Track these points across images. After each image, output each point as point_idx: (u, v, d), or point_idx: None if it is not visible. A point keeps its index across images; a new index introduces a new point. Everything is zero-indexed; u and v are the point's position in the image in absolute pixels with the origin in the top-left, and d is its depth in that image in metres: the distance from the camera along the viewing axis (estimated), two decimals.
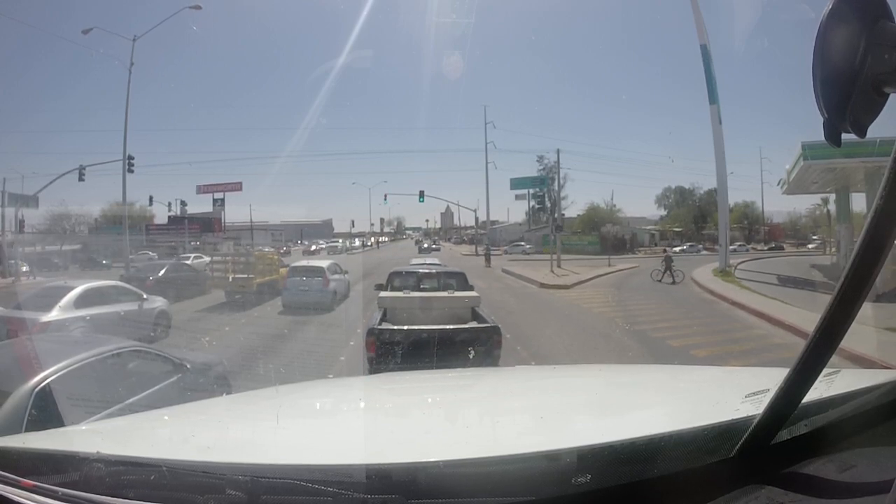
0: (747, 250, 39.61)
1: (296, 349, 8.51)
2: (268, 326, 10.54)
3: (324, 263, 13.66)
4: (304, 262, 14.57)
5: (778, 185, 24.94)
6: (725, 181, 23.10)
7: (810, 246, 43.42)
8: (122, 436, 1.55)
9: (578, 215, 45.65)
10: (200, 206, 41.79)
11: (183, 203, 39.49)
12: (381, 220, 59.55)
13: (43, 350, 3.65)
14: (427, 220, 67.62)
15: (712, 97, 21.92)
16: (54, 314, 7.56)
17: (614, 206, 46.31)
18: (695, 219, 47.05)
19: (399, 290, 8.02)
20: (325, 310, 11.97)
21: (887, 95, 0.72)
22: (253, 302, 13.37)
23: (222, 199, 41.58)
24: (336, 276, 13.36)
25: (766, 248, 43.33)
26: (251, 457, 1.20)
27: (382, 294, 7.74)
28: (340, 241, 48.50)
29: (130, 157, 25.48)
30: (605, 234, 39.02)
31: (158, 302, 9.98)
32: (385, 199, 41.20)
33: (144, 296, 9.71)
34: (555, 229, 26.73)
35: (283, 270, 14.31)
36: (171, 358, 4.32)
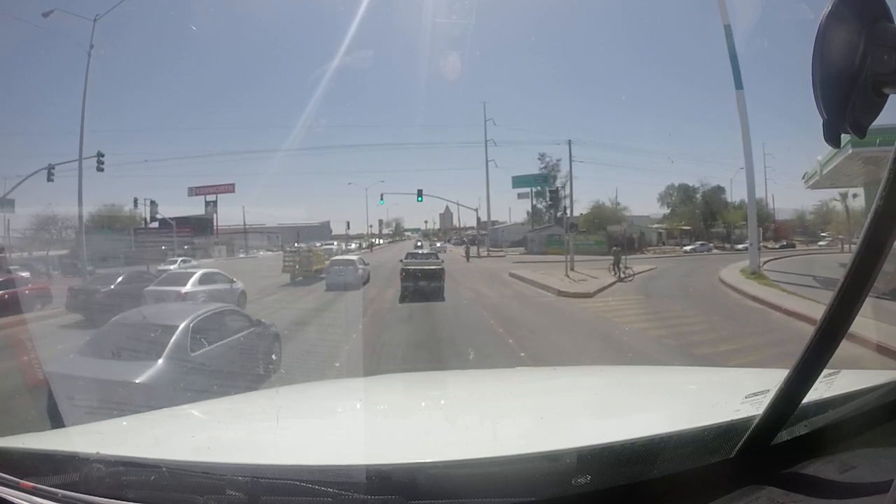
0: (759, 249, 37.98)
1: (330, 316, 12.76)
2: (320, 298, 15.81)
3: (354, 258, 19.66)
4: (341, 257, 21.17)
5: (803, 178, 22.48)
6: (752, 173, 21.02)
7: (821, 244, 41.10)
8: (122, 436, 1.55)
9: (581, 214, 44.13)
10: (192, 208, 40.90)
11: (153, 203, 36.54)
12: (380, 221, 59.18)
13: (186, 307, 7.08)
14: (426, 222, 67.65)
15: (737, 82, 19.79)
16: (188, 287, 12.17)
17: (618, 204, 44.86)
18: (703, 216, 45.09)
19: (409, 259, 17.57)
20: (354, 288, 16.49)
21: (887, 96, 0.72)
22: (311, 281, 19.55)
23: (215, 201, 40.57)
24: (362, 266, 18.67)
25: (777, 246, 40.62)
26: (251, 457, 1.20)
27: (403, 259, 17.16)
28: (336, 243, 46.99)
29: (101, 155, 22.69)
30: (612, 234, 37.27)
31: (240, 284, 14.40)
32: (381, 200, 38.59)
33: (234, 279, 14.19)
34: (568, 228, 23.66)
35: (327, 262, 20.24)
36: (252, 317, 6.87)
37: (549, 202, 46.10)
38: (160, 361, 4.57)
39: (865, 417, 1.23)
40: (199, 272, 13.20)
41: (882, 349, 6.75)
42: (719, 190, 44.90)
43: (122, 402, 4.17)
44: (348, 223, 54.33)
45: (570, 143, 31.20)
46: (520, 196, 45.95)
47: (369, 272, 19.39)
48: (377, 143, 74.17)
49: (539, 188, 45.22)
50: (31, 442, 1.33)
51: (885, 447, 1.16)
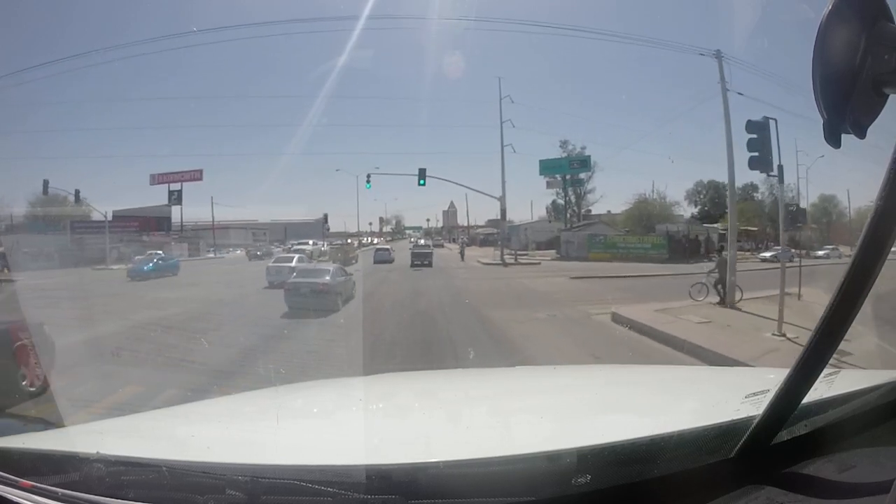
0: (840, 256, 28.86)
1: (375, 279, 19.70)
2: (369, 269, 24.27)
3: (388, 247, 31.09)
4: (380, 246, 32.47)
5: None
6: None
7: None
8: (122, 436, 1.55)
9: (609, 212, 37.04)
10: (164, 199, 33.62)
11: (77, 192, 29.52)
12: (381, 219, 57.81)
13: (328, 265, 16.08)
14: (428, 220, 66.71)
15: None
16: (294, 262, 17.84)
17: (665, 198, 35.40)
18: (770, 216, 33.69)
19: (414, 248, 29.85)
20: (390, 262, 27.46)
21: (887, 96, 0.72)
22: (346, 264, 26.04)
23: (179, 191, 32.90)
24: (392, 251, 29.77)
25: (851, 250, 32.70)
26: (251, 457, 1.20)
27: (411, 248, 29.89)
28: (311, 242, 37.36)
29: None
30: (673, 235, 29.38)
31: (314, 262, 20.65)
32: (368, 183, 29.87)
33: (313, 260, 21.38)
34: (790, 221, 13.11)
35: (357, 252, 31.35)
36: (347, 271, 14.95)
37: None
38: (328, 276, 12.28)
39: (865, 417, 1.23)
40: (296, 256, 20.52)
41: None
42: (752, 188, 36.61)
43: (319, 289, 11.65)
44: (326, 216, 44.74)
45: (720, 57, 15.81)
46: (549, 185, 36.69)
47: (394, 257, 29.79)
48: (377, 140, 69.99)
49: (573, 174, 35.91)
50: (31, 441, 1.33)
51: (885, 447, 1.16)
